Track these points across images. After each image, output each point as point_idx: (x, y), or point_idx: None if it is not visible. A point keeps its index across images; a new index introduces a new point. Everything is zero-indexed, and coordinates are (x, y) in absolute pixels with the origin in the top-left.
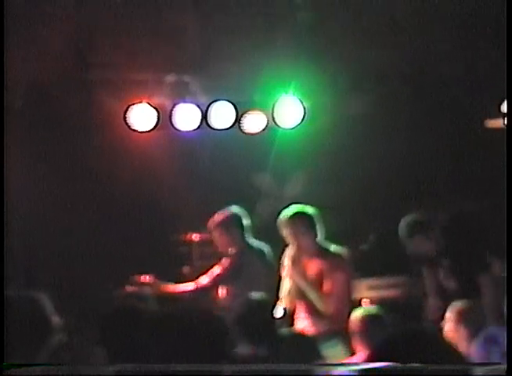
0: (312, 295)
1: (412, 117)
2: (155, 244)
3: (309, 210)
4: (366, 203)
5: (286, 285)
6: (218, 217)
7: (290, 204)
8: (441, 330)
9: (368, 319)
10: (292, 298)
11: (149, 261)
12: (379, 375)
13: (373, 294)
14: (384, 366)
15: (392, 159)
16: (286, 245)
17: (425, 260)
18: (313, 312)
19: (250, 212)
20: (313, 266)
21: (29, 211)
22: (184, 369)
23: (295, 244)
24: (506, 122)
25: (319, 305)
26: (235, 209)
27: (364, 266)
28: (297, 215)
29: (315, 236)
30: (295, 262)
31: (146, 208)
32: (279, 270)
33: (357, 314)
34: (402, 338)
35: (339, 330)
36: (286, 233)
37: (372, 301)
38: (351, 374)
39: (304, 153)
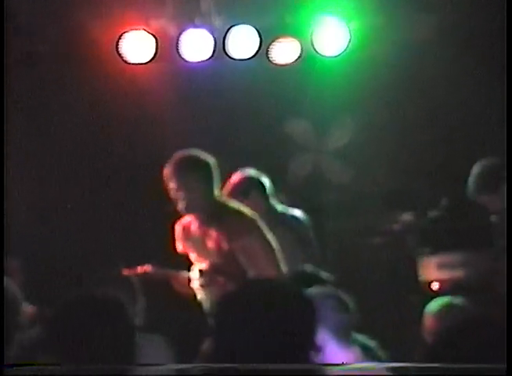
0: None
1: (485, 43)
2: (156, 211)
3: (205, 157)
4: (435, 155)
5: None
6: (233, 181)
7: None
8: None
9: (445, 313)
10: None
11: (149, 234)
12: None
13: (446, 274)
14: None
15: (465, 95)
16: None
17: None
18: None
19: (283, 170)
20: (211, 234)
21: None
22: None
23: (184, 202)
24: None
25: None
26: (252, 172)
27: (433, 239)
28: (187, 162)
29: (211, 192)
30: (187, 234)
31: (145, 165)
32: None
33: (431, 308)
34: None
35: None
36: (172, 187)
37: (443, 284)
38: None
39: (352, 91)
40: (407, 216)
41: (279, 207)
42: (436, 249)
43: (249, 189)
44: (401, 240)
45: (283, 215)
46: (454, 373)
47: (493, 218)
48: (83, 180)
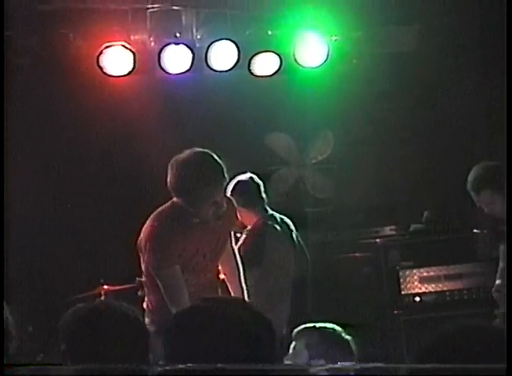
0: None
1: (464, 54)
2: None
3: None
4: (416, 168)
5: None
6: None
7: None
8: None
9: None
10: None
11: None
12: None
13: (428, 288)
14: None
15: (446, 107)
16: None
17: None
18: None
19: (265, 184)
20: None
21: None
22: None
23: None
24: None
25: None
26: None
27: (416, 252)
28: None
29: None
30: None
31: (125, 178)
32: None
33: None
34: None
35: None
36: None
37: (426, 297)
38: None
39: (333, 103)
40: (389, 230)
41: (274, 214)
42: (419, 263)
43: (247, 195)
44: (383, 254)
45: (279, 222)
46: (453, 373)
47: (476, 230)
48: (60, 190)
